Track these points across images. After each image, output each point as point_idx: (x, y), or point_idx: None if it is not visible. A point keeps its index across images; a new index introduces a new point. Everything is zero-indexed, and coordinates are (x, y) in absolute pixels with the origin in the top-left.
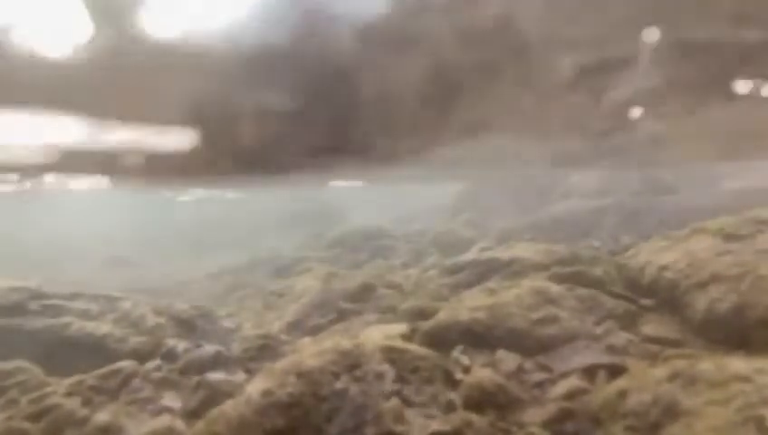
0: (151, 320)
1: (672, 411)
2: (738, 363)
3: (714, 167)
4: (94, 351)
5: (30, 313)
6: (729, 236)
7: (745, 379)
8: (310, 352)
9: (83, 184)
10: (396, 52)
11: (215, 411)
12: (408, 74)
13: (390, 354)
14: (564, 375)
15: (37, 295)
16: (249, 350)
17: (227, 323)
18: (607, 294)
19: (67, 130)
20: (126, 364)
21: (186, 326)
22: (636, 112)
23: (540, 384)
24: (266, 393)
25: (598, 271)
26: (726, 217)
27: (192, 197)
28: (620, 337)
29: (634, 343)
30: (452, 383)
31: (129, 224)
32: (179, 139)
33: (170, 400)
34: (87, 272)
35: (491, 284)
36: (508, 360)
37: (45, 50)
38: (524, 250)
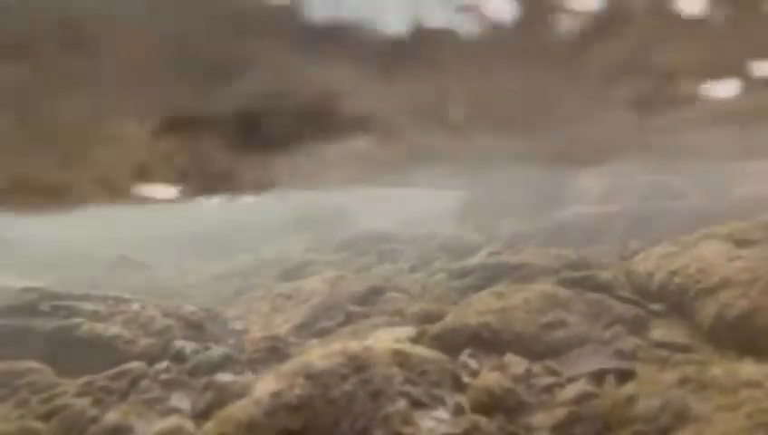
0: (160, 321)
1: (682, 417)
2: (749, 369)
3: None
4: (104, 351)
5: (41, 313)
6: (739, 242)
7: (756, 384)
8: (318, 354)
9: None
10: None
11: (224, 412)
12: None
13: (398, 357)
14: (573, 379)
15: (48, 296)
16: (257, 352)
17: (235, 325)
18: (615, 298)
19: None
20: (135, 365)
21: (194, 328)
22: None
23: (548, 388)
24: (276, 395)
25: (606, 276)
26: (736, 222)
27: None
28: (629, 342)
29: (643, 348)
30: (460, 387)
31: (137, 226)
32: None
33: (179, 400)
34: (97, 273)
35: (499, 288)
36: (516, 364)
37: None
38: (533, 255)
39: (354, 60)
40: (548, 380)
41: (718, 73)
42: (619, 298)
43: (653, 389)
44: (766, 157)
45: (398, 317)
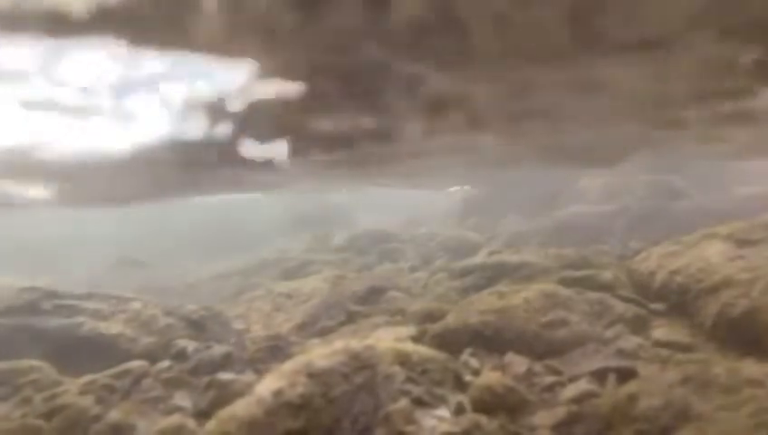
0: (162, 320)
1: (683, 416)
2: (750, 368)
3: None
4: (106, 350)
5: (43, 312)
6: (740, 242)
7: (758, 383)
8: (320, 354)
9: None
10: None
11: (226, 412)
12: None
13: (400, 356)
14: (574, 379)
15: (50, 295)
16: (259, 351)
17: (237, 324)
18: (617, 298)
19: None
20: (137, 364)
21: (196, 327)
22: None
23: (549, 387)
24: (277, 394)
25: (607, 275)
26: (737, 222)
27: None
28: (631, 341)
29: (644, 348)
30: (461, 386)
31: (140, 225)
32: None
33: (181, 399)
34: (99, 272)
35: (500, 287)
36: (517, 363)
37: None
38: (533, 254)
39: None
40: (549, 379)
41: None
42: (621, 298)
43: (654, 388)
44: (766, 156)
45: (400, 316)
